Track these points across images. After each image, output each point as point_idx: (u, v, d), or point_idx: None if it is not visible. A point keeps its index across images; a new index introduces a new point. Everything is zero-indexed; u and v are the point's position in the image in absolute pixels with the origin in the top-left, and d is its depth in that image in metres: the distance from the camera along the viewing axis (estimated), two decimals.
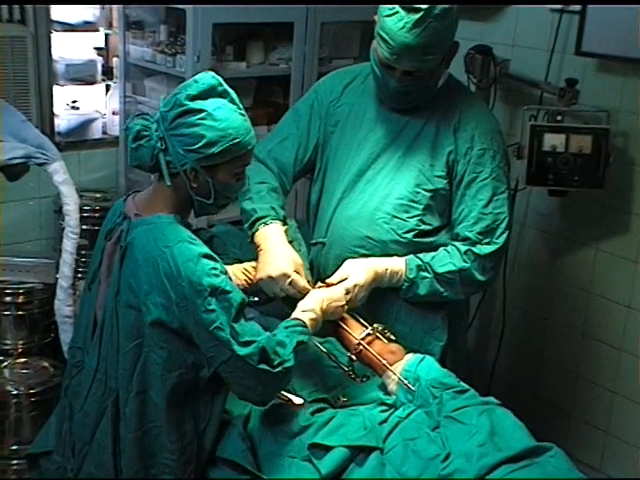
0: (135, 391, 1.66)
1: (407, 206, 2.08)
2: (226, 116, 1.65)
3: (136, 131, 1.66)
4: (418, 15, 1.87)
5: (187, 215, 1.77)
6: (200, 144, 1.62)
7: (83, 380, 1.77)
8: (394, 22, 1.89)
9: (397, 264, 2.05)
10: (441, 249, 2.09)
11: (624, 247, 2.82)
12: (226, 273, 1.65)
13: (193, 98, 1.64)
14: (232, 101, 1.68)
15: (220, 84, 1.67)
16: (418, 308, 2.12)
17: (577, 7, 2.73)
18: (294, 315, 1.83)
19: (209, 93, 1.65)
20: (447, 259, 2.06)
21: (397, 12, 1.89)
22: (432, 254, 2.08)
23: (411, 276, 2.05)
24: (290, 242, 2.08)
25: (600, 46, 2.70)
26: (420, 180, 2.08)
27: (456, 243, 2.08)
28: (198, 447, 1.72)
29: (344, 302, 1.94)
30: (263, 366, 1.62)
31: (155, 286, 1.61)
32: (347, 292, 1.97)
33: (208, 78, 1.67)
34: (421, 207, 2.08)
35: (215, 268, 1.62)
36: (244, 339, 1.61)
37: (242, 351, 1.60)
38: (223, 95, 1.67)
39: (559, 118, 2.73)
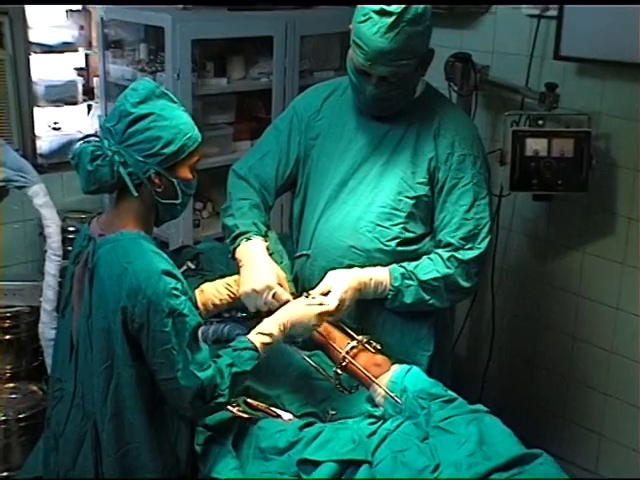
0: (110, 414, 1.65)
1: (390, 214, 2.07)
2: (173, 114, 1.68)
3: (90, 152, 1.64)
4: (391, 19, 1.88)
5: (151, 226, 1.77)
6: (159, 146, 1.64)
7: (62, 406, 1.75)
8: (368, 27, 1.91)
9: (381, 273, 2.04)
10: (424, 257, 2.08)
11: (610, 249, 2.83)
12: (186, 293, 1.65)
13: (138, 104, 1.65)
14: (171, 100, 1.72)
15: (157, 87, 1.70)
16: (404, 319, 2.11)
17: (554, 12, 2.75)
18: (249, 336, 1.80)
19: (150, 97, 1.67)
20: (431, 266, 2.06)
21: (370, 18, 1.90)
22: (415, 263, 2.07)
23: (396, 284, 2.04)
24: (271, 254, 2.07)
25: (578, 50, 2.71)
26: (402, 188, 2.07)
27: (439, 250, 2.08)
28: (176, 460, 1.72)
29: (315, 322, 1.90)
30: (196, 401, 1.64)
31: (120, 303, 1.60)
32: (337, 305, 1.94)
33: (145, 83, 1.70)
34: (404, 215, 2.07)
35: (176, 288, 1.62)
36: (190, 369, 1.62)
37: (183, 382, 1.61)
38: (162, 96, 1.70)
39: (540, 123, 2.74)
